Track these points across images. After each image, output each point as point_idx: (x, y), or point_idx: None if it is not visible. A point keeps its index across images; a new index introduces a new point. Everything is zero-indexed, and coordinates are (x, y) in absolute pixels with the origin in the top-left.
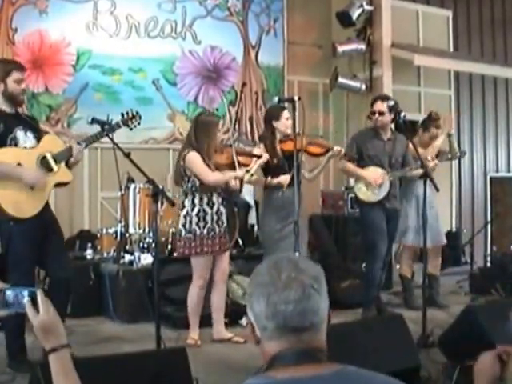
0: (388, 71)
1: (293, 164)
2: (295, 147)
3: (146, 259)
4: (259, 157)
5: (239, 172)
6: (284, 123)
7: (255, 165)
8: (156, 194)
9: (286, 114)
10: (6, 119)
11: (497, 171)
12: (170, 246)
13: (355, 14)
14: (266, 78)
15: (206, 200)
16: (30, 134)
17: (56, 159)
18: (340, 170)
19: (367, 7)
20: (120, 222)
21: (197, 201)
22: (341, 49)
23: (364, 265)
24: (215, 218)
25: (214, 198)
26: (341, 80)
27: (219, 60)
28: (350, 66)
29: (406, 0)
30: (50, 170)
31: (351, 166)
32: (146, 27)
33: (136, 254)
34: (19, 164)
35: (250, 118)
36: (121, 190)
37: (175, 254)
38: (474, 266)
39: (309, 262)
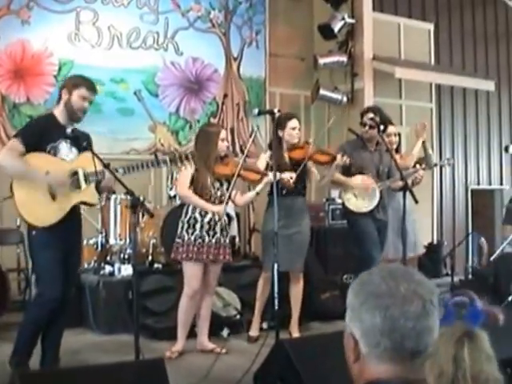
0: (369, 84)
1: (300, 172)
2: (306, 154)
3: (127, 270)
4: (266, 174)
5: (215, 208)
6: (289, 133)
7: (262, 184)
8: (135, 205)
9: (292, 123)
10: (55, 127)
11: (478, 184)
12: (150, 258)
13: (337, 26)
14: (248, 90)
15: (198, 209)
16: (74, 150)
17: (87, 178)
18: (324, 182)
19: (349, 20)
20: (101, 232)
21: (190, 208)
22: (322, 61)
23: (345, 276)
24: (206, 227)
25: None
26: (322, 92)
27: (201, 71)
28: (331, 78)
29: (388, 13)
30: (79, 186)
31: (340, 176)
32: (128, 38)
33: (116, 265)
34: (47, 172)
35: (232, 130)
36: (101, 200)
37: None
38: (455, 278)
39: (421, 275)
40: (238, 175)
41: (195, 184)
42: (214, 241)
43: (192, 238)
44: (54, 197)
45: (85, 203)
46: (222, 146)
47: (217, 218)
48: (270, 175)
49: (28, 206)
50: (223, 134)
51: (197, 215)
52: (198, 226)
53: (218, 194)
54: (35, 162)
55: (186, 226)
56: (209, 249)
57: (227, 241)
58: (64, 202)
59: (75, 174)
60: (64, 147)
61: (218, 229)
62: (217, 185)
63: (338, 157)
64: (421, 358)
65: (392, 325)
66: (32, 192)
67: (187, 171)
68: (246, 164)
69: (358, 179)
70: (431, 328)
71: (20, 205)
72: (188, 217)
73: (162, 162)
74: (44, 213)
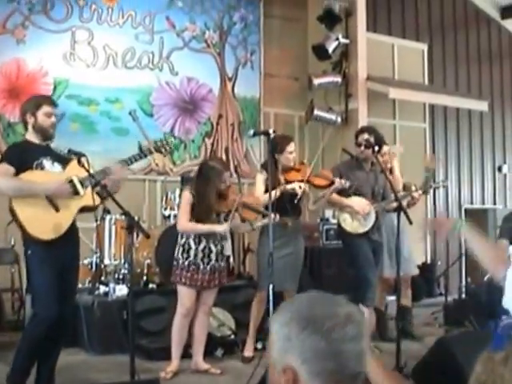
0: (363, 104)
1: (295, 194)
2: (304, 176)
3: (121, 290)
4: (265, 215)
5: (219, 227)
6: (287, 157)
7: (260, 223)
8: (131, 226)
9: (290, 147)
10: (33, 149)
11: (471, 203)
12: (145, 278)
13: (331, 47)
14: (243, 110)
15: (192, 235)
16: (57, 165)
17: (82, 183)
18: (317, 207)
19: (343, 40)
20: (95, 252)
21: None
22: (317, 81)
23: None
24: (200, 254)
25: (203, 236)
26: (316, 112)
27: (196, 91)
28: (325, 98)
29: (382, 33)
30: (77, 193)
31: (336, 196)
32: (123, 58)
33: (111, 285)
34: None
35: (226, 150)
36: (96, 220)
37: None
38: (449, 298)
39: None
40: (236, 210)
41: (198, 210)
42: (208, 268)
43: (186, 263)
44: (56, 208)
45: (86, 208)
46: (221, 187)
47: (212, 246)
48: (270, 217)
49: (33, 221)
50: (225, 176)
51: (191, 241)
52: (192, 252)
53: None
54: (30, 178)
55: (181, 249)
56: (203, 276)
57: (222, 264)
58: (67, 210)
59: (71, 181)
60: (47, 163)
61: (213, 256)
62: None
63: (337, 181)
64: (360, 380)
65: (337, 347)
66: (34, 207)
67: (185, 196)
68: (244, 202)
69: (355, 201)
70: (366, 350)
71: (25, 222)
72: (183, 241)
73: (148, 152)
74: (51, 225)
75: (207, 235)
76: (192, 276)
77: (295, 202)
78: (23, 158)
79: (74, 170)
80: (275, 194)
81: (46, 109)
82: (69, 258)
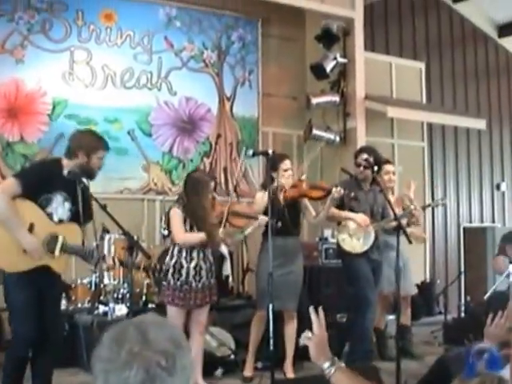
0: (362, 123)
1: (294, 210)
2: (300, 192)
3: (121, 310)
4: (256, 218)
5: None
6: (281, 175)
7: (251, 228)
8: (131, 246)
9: (284, 165)
10: (57, 177)
11: (470, 222)
12: (144, 298)
13: (329, 66)
14: (241, 130)
15: (184, 254)
16: (67, 205)
17: (64, 248)
18: (320, 219)
19: (341, 60)
20: (95, 272)
21: (176, 252)
22: (315, 101)
23: (339, 315)
24: (192, 272)
25: (194, 254)
26: (315, 132)
27: (194, 111)
28: (323, 117)
29: (380, 52)
30: (52, 252)
31: (336, 211)
32: (121, 78)
33: (111, 304)
34: (32, 224)
35: (225, 169)
36: (96, 240)
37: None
38: (448, 316)
39: (167, 328)
40: (226, 220)
41: (192, 222)
42: (200, 286)
43: (178, 283)
44: (25, 251)
45: (50, 269)
46: (209, 197)
47: (202, 263)
48: (260, 219)
49: (3, 253)
50: (212, 185)
51: (182, 261)
52: (183, 271)
53: None
54: (23, 209)
55: (171, 270)
56: (196, 294)
57: (212, 281)
58: (34, 258)
59: (56, 238)
60: (57, 200)
61: (203, 273)
62: None
63: (333, 189)
64: None
65: None
66: (7, 239)
67: (175, 213)
68: (233, 209)
69: (356, 215)
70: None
71: None
72: (174, 261)
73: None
74: (14, 261)
75: (198, 253)
76: (185, 296)
77: (297, 220)
78: (38, 188)
79: (68, 231)
80: (270, 214)
81: (101, 153)
82: (45, 285)
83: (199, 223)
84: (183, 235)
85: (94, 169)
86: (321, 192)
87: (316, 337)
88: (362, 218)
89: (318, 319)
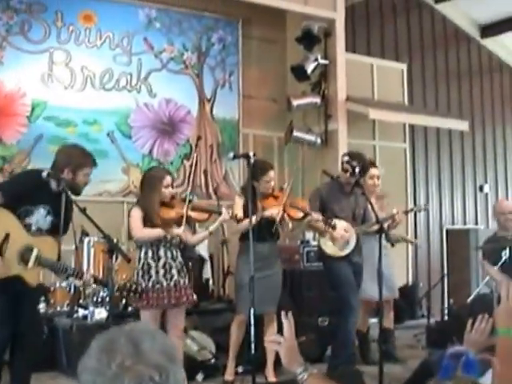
0: (343, 125)
1: (272, 221)
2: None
3: (101, 314)
4: (220, 213)
5: (176, 230)
6: (264, 186)
7: (216, 224)
8: (111, 250)
9: (267, 176)
10: (42, 189)
11: (453, 224)
12: (124, 301)
13: (310, 67)
14: (221, 132)
15: (150, 254)
16: (49, 218)
17: (39, 261)
18: (295, 234)
19: (322, 61)
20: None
21: (142, 254)
22: (296, 103)
23: (320, 319)
24: (161, 271)
25: (161, 252)
26: (296, 134)
27: (174, 113)
28: (305, 119)
29: (361, 54)
30: (26, 263)
31: (316, 224)
32: (101, 79)
33: (90, 308)
34: (7, 234)
35: (205, 171)
36: (75, 243)
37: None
38: (431, 320)
39: (160, 339)
40: (187, 217)
41: (151, 219)
42: (172, 284)
43: (150, 284)
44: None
45: (21, 279)
46: (165, 192)
47: (172, 262)
48: (224, 213)
49: None
50: (168, 180)
51: (150, 261)
52: (152, 271)
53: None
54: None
55: (140, 272)
56: (169, 293)
57: (187, 282)
58: (5, 266)
59: (31, 250)
60: (39, 213)
61: (174, 271)
62: None
63: (312, 215)
64: None
65: None
66: None
67: (134, 211)
68: (193, 203)
69: (339, 227)
70: None
71: None
72: (141, 263)
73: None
74: None
75: (165, 252)
76: (158, 295)
77: (273, 228)
78: (19, 200)
79: (44, 245)
80: (251, 221)
81: (87, 170)
82: (21, 289)
83: (153, 218)
84: (140, 231)
85: (79, 185)
86: (299, 213)
87: (286, 342)
88: (339, 233)
89: (288, 324)
